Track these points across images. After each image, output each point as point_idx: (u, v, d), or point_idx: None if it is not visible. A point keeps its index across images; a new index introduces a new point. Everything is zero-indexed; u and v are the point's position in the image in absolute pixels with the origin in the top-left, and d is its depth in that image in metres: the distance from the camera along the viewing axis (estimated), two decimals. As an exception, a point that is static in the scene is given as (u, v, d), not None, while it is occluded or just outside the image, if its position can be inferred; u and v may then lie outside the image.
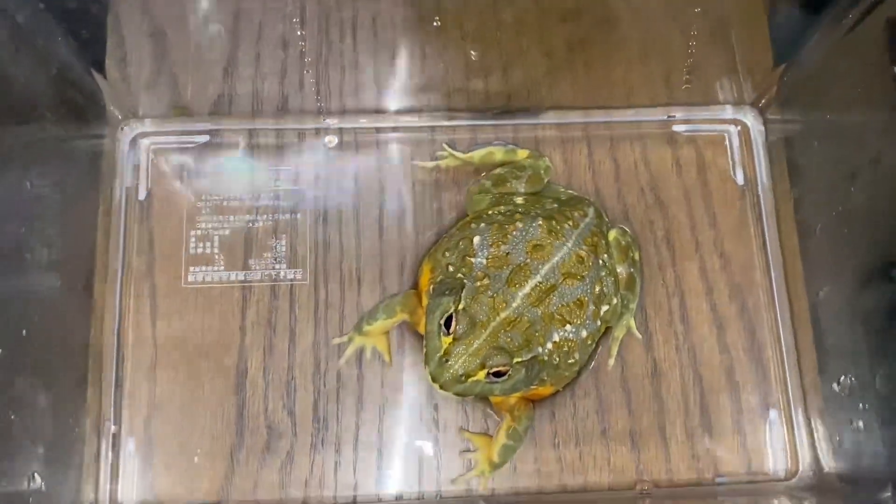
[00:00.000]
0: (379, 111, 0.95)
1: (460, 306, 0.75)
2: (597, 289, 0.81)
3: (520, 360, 0.74)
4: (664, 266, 0.92)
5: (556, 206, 0.87)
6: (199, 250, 0.91)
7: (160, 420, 0.86)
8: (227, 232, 0.91)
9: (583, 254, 0.81)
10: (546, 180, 0.91)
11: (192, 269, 0.90)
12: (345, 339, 0.88)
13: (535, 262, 0.79)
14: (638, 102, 0.96)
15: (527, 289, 0.78)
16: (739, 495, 0.86)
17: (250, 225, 0.92)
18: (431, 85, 0.93)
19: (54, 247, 0.80)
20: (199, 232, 0.91)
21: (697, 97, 0.95)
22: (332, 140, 0.95)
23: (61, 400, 0.80)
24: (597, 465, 0.86)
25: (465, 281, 0.78)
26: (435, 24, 0.85)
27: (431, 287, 0.80)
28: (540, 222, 0.82)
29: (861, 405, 0.77)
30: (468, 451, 0.85)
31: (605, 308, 0.82)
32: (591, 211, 0.86)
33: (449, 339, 0.73)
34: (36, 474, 0.73)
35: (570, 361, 0.80)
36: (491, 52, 0.90)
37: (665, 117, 0.97)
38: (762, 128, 0.96)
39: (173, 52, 0.88)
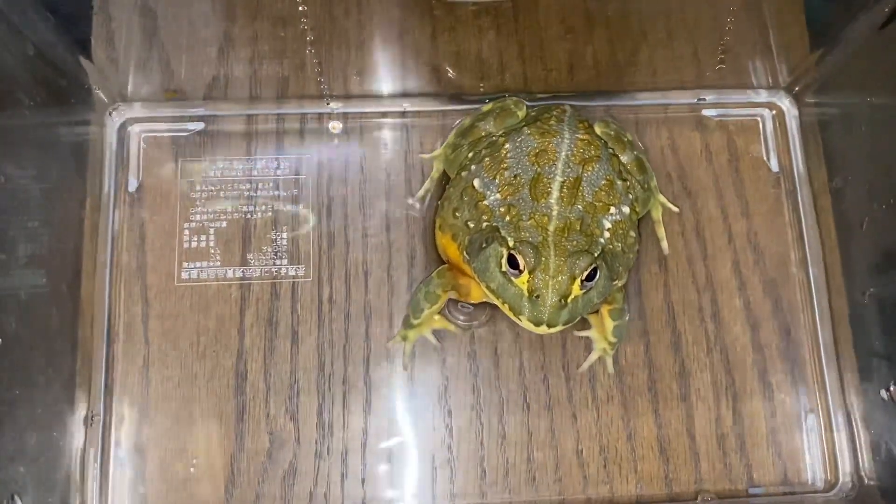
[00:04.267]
0: (386, 95, 0.90)
1: (511, 243, 0.69)
2: (616, 164, 0.79)
3: (597, 252, 0.70)
4: (693, 259, 0.87)
5: (532, 118, 0.83)
6: (194, 244, 0.84)
7: (153, 427, 0.80)
8: (223, 225, 0.85)
9: (585, 136, 0.78)
10: (521, 114, 0.85)
11: (185, 265, 0.84)
12: (397, 339, 0.83)
13: (545, 166, 0.76)
14: (665, 85, 0.90)
15: (555, 193, 0.74)
16: (775, 507, 0.81)
17: (248, 217, 0.86)
18: (442, 66, 0.87)
19: (38, 243, 0.75)
20: (193, 225, 0.85)
21: (730, 80, 0.90)
22: (336, 126, 0.89)
23: (45, 409, 0.75)
24: (622, 474, 0.81)
25: (493, 223, 0.73)
26: (448, -1, 0.79)
27: (464, 252, 0.75)
28: (527, 131, 0.78)
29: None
30: (584, 329, 0.83)
31: (628, 183, 0.80)
32: (567, 106, 0.84)
33: (524, 275, 0.68)
34: (16, 496, 0.67)
35: (629, 242, 0.77)
36: (506, 30, 0.84)
37: (695, 100, 0.91)
38: (798, 112, 0.90)
39: (165, 29, 0.82)
